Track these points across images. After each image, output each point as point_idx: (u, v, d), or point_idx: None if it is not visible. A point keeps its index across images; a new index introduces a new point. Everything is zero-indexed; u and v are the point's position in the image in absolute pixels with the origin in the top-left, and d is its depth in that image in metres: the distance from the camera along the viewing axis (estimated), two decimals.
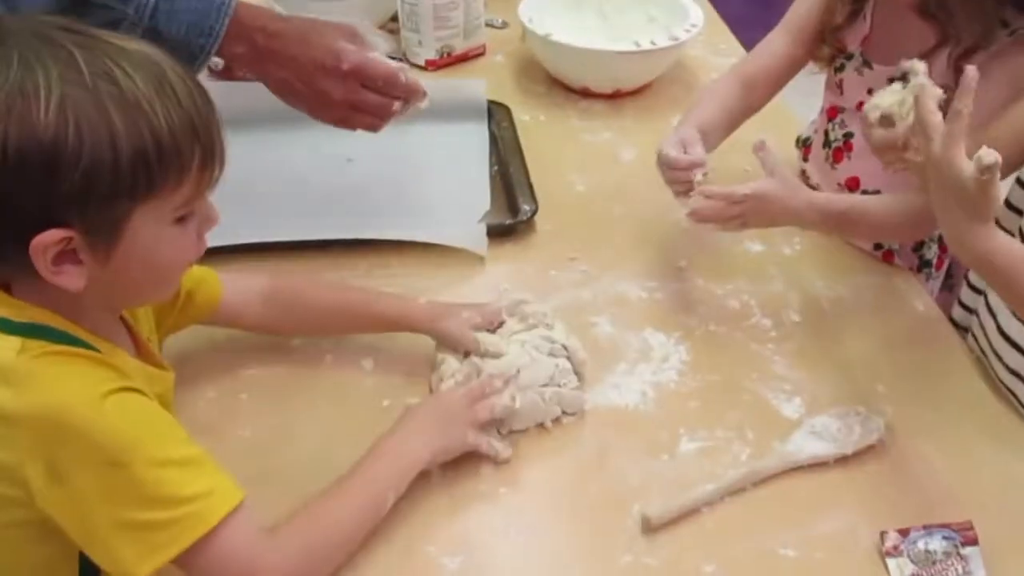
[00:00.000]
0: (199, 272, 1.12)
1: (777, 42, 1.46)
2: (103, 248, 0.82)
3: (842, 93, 1.43)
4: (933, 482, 1.08)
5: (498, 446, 1.08)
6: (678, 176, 1.28)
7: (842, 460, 1.10)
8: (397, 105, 1.23)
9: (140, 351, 0.97)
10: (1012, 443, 1.14)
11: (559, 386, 1.14)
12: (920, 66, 1.06)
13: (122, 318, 0.96)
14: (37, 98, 0.76)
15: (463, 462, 1.08)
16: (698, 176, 1.26)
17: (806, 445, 1.10)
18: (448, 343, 1.17)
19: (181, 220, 0.86)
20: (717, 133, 1.39)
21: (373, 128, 1.24)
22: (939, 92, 1.00)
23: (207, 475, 0.84)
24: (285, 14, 1.26)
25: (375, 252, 1.38)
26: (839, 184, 1.46)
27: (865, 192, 1.43)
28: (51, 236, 0.78)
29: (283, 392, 1.18)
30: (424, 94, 1.23)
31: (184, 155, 0.82)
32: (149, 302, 0.99)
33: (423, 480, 1.05)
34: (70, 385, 0.80)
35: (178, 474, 0.82)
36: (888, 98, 1.09)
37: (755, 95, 1.46)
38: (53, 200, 0.78)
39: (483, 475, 1.09)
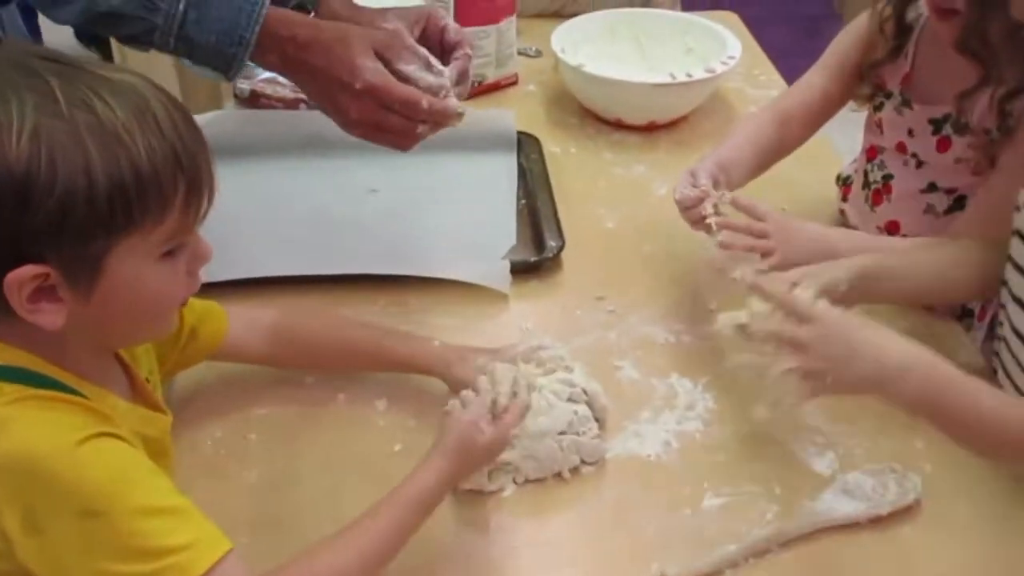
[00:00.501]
0: (203, 307, 1.09)
1: (815, 79, 1.42)
2: (83, 285, 0.79)
3: (882, 133, 1.38)
4: (972, 548, 1.03)
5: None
6: (691, 215, 1.24)
7: (875, 521, 1.04)
8: (423, 128, 1.17)
9: (136, 392, 0.93)
10: None
11: (578, 434, 1.10)
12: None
13: (119, 357, 0.93)
14: (9, 128, 0.73)
15: (477, 515, 1.05)
16: (708, 208, 1.21)
17: (837, 504, 1.04)
18: (458, 389, 1.13)
19: (169, 255, 0.83)
20: (742, 169, 1.34)
21: (400, 148, 1.20)
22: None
23: (190, 525, 0.80)
24: (324, 21, 1.22)
25: (393, 287, 1.34)
26: (878, 227, 1.40)
27: (905, 237, 1.37)
28: (26, 272, 0.76)
29: (292, 433, 1.15)
30: (459, 115, 1.18)
31: (166, 188, 0.79)
32: (142, 341, 0.96)
33: (436, 532, 1.01)
34: (44, 431, 0.77)
35: (158, 524, 0.78)
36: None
37: (789, 133, 1.41)
38: (26, 234, 0.75)
39: (497, 528, 1.04)
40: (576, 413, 1.10)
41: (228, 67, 1.15)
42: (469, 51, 1.23)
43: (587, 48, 1.78)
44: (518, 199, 1.52)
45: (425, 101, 1.14)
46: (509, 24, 1.79)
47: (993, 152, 1.24)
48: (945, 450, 1.12)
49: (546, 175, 1.56)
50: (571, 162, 1.64)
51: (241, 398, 1.18)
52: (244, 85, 1.69)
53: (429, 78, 1.16)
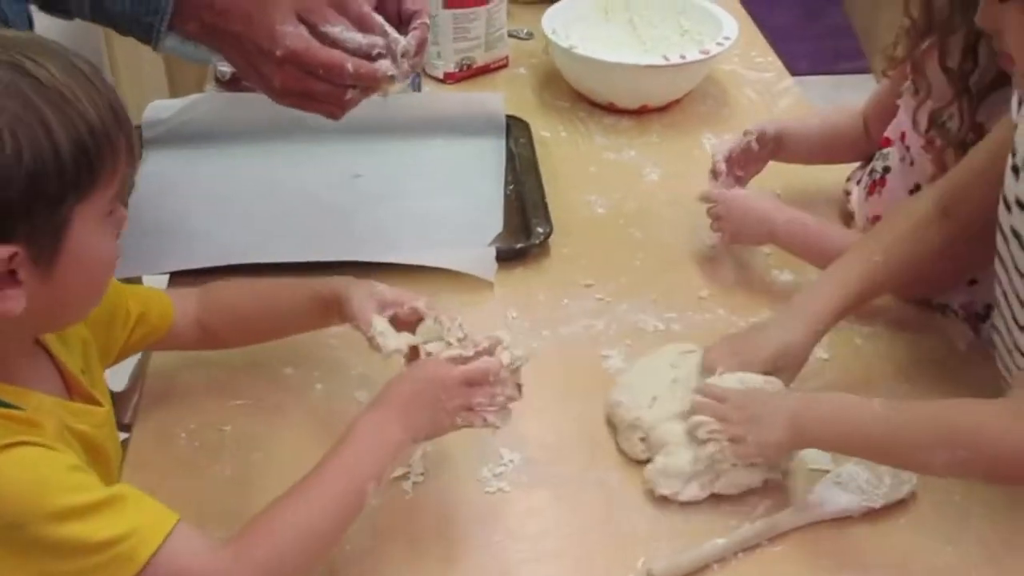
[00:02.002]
0: (147, 292, 1.09)
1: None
2: (45, 260, 0.78)
3: (898, 120, 1.36)
4: (967, 542, 1.00)
5: (491, 417, 0.97)
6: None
7: (869, 514, 1.02)
8: (352, 94, 1.12)
9: (69, 386, 0.92)
10: None
11: None
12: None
13: (48, 353, 0.91)
14: None
15: (457, 506, 1.03)
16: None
17: (830, 497, 1.02)
18: (346, 312, 1.07)
19: (109, 217, 0.82)
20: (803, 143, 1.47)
21: (331, 116, 1.15)
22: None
23: (126, 513, 0.78)
24: None
25: (378, 274, 1.30)
26: (867, 218, 1.38)
27: None
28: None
29: (269, 424, 1.13)
30: (390, 78, 1.12)
31: (115, 140, 0.79)
32: (74, 321, 0.92)
33: (417, 528, 1.00)
34: None
35: (87, 522, 0.76)
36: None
37: (870, 132, 1.46)
38: None
39: (479, 522, 1.02)
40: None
41: (148, 36, 1.12)
42: (427, 20, 1.18)
43: (579, 29, 1.75)
44: (506, 184, 1.50)
45: (350, 64, 1.09)
46: (499, 6, 1.77)
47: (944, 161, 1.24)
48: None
49: (535, 160, 1.54)
50: (561, 146, 1.62)
51: (216, 389, 1.16)
52: (225, 68, 1.67)
53: (358, 38, 1.11)
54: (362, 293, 1.07)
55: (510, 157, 1.55)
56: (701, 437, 1.03)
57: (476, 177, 1.52)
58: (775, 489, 1.05)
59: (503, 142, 1.58)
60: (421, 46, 1.15)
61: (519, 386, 1.00)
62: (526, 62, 1.85)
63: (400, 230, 1.41)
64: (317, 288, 1.11)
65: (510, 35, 1.85)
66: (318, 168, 1.53)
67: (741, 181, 1.40)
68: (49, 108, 0.75)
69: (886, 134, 1.38)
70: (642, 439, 1.07)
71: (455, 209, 1.45)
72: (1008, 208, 1.04)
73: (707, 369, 1.10)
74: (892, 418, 0.98)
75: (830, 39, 3.83)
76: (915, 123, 1.29)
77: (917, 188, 1.30)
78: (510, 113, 1.63)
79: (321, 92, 1.11)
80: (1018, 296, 1.05)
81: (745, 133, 1.41)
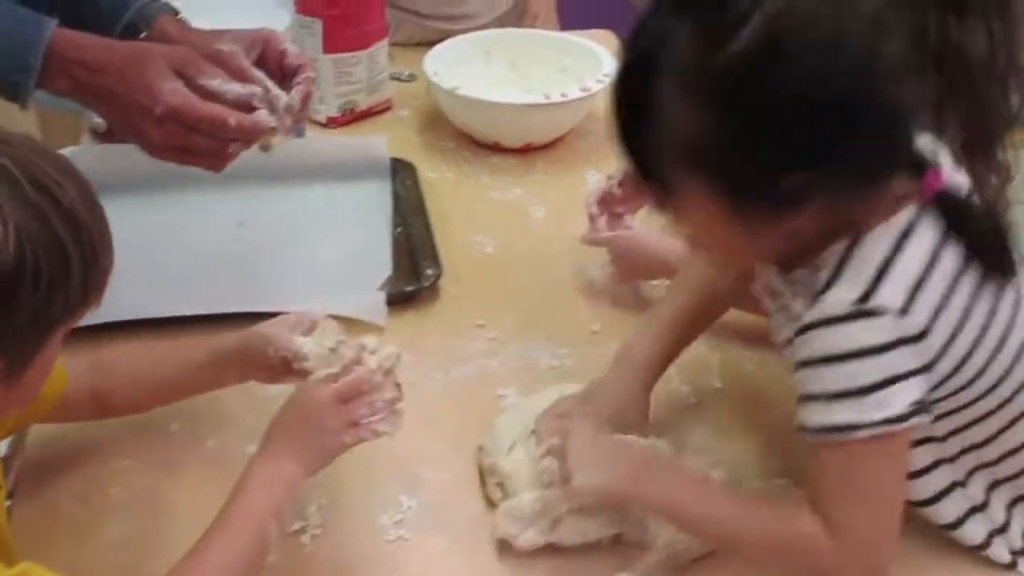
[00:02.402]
0: None
1: None
2: (19, 369, 0.79)
3: None
4: None
5: (381, 426, 0.97)
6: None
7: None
8: (235, 147, 1.12)
9: None
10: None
11: None
12: None
13: None
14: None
15: (357, 556, 1.02)
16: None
17: (679, 539, 1.02)
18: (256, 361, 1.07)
19: None
20: None
21: (213, 169, 1.15)
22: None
23: None
24: (118, 42, 1.16)
25: None
26: None
27: None
28: None
29: (157, 484, 1.10)
30: (272, 130, 1.12)
31: (108, 260, 0.84)
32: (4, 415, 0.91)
33: None
34: None
35: None
36: None
37: None
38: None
39: (380, 572, 1.02)
40: None
41: (15, 95, 1.09)
42: (311, 74, 1.18)
43: (461, 70, 1.76)
44: (393, 227, 1.50)
45: (232, 118, 1.09)
46: (380, 49, 1.77)
47: None
48: None
49: (422, 201, 1.54)
50: (448, 187, 1.63)
51: (100, 450, 1.13)
52: (100, 119, 1.63)
53: (236, 88, 1.11)
54: (277, 329, 1.06)
55: (396, 199, 1.55)
56: (544, 481, 1.03)
57: (363, 221, 1.51)
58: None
59: (388, 185, 1.58)
60: (306, 101, 1.15)
61: (398, 385, 0.99)
62: (409, 104, 1.85)
63: (287, 278, 1.40)
64: (215, 346, 1.09)
65: (392, 78, 1.85)
66: (200, 218, 1.51)
67: (619, 218, 1.41)
68: (65, 231, 0.77)
69: None
70: (498, 485, 1.07)
71: (343, 254, 1.44)
72: None
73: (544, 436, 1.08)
74: (727, 511, 0.99)
75: None
76: None
77: None
78: (395, 155, 1.63)
79: (202, 147, 1.10)
80: None
81: (608, 177, 1.41)
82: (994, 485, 1.01)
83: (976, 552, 1.01)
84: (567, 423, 1.06)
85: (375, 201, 1.55)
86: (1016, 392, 0.95)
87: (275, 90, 1.12)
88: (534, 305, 1.37)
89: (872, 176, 0.87)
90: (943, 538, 1.02)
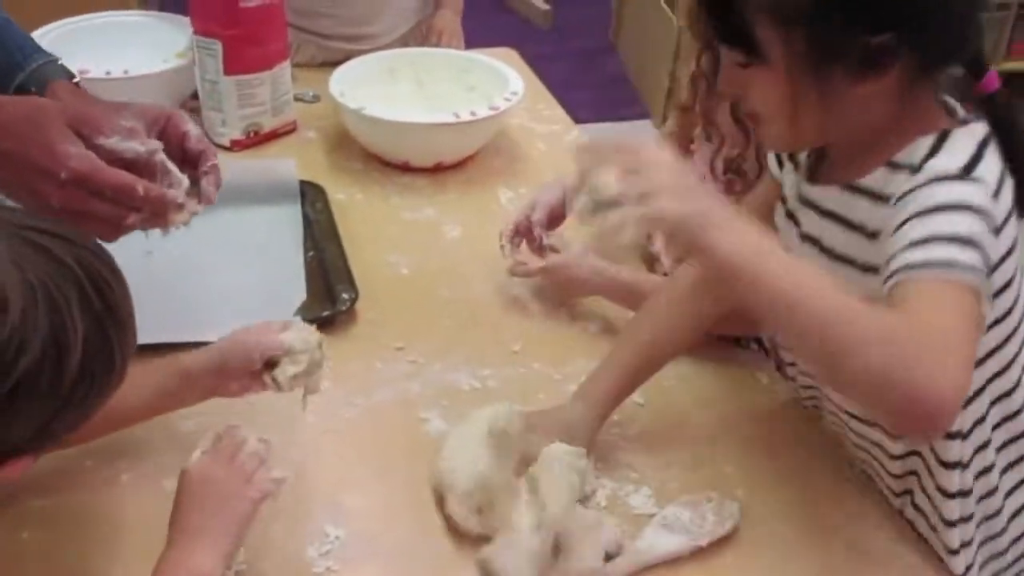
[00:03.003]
0: None
1: (671, 120, 1.51)
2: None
3: (692, 165, 1.42)
4: (792, 568, 1.05)
5: (276, 474, 0.97)
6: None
7: (698, 552, 1.05)
8: (134, 218, 1.07)
9: None
10: (868, 517, 1.11)
11: None
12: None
13: None
14: (67, 350, 0.78)
15: None
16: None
17: (658, 540, 1.05)
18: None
19: None
20: None
21: (105, 238, 1.07)
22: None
23: None
24: (7, 97, 1.12)
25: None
26: (673, 259, 1.43)
27: None
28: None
29: (74, 523, 1.06)
30: (180, 206, 1.08)
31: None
32: None
33: None
34: None
35: None
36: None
37: None
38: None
39: None
40: None
41: None
42: (216, 161, 1.14)
43: (366, 90, 1.75)
44: (305, 251, 1.48)
45: (140, 187, 1.04)
46: (283, 70, 1.76)
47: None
48: (756, 474, 1.15)
49: (333, 224, 1.53)
50: (358, 209, 1.62)
51: (7, 491, 1.09)
52: None
53: (136, 146, 1.06)
54: (258, 333, 1.09)
55: (307, 223, 1.54)
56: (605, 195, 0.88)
57: (274, 246, 1.49)
58: None
59: (298, 208, 1.57)
60: (217, 188, 1.13)
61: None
62: (315, 125, 1.84)
63: (201, 306, 1.37)
64: (180, 367, 1.09)
65: (296, 99, 1.84)
66: (108, 247, 1.47)
67: (540, 247, 1.42)
68: (117, 337, 0.83)
69: None
70: (479, 511, 1.06)
71: (255, 281, 1.42)
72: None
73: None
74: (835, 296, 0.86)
75: (608, 87, 3.98)
76: (712, 169, 1.35)
77: None
78: (303, 178, 1.62)
79: (102, 213, 1.05)
80: None
81: (526, 217, 1.42)
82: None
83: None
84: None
85: (285, 225, 1.53)
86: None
87: (177, 174, 1.08)
88: (453, 326, 1.37)
89: (951, 53, 0.94)
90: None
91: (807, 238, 1.07)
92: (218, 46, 1.68)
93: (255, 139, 1.75)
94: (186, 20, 1.90)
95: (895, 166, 0.96)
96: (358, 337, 1.35)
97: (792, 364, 1.23)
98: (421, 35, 2.14)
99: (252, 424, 1.17)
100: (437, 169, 1.71)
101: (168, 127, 1.11)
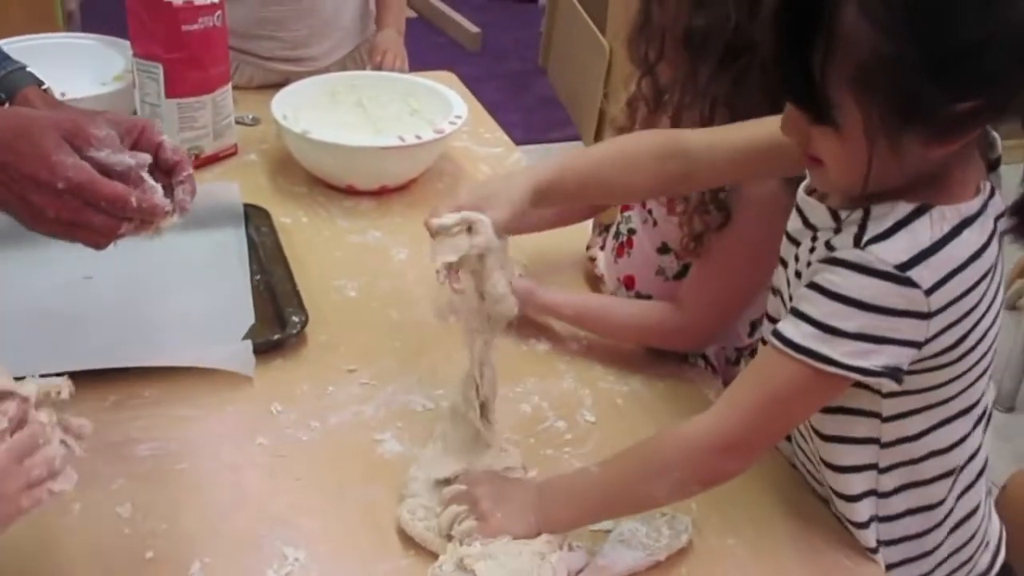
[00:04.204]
0: None
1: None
2: None
3: None
4: None
5: (61, 484, 0.91)
6: None
7: (655, 567, 1.08)
8: (127, 227, 1.10)
9: None
10: (818, 526, 1.15)
11: None
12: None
13: None
14: None
15: None
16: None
17: (618, 557, 1.07)
18: None
19: None
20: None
21: (96, 247, 1.12)
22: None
23: None
24: (2, 110, 1.12)
25: (123, 381, 1.27)
26: (618, 279, 1.47)
27: (639, 295, 1.46)
28: None
29: (25, 561, 1.05)
30: (168, 213, 1.11)
31: None
32: None
33: None
34: None
35: None
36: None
37: None
38: None
39: None
40: None
41: None
42: (191, 171, 1.16)
43: (308, 114, 1.77)
44: (252, 274, 1.49)
45: (134, 198, 1.07)
46: (224, 94, 1.76)
47: (699, 234, 1.33)
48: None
49: (280, 247, 1.53)
50: (304, 232, 1.63)
51: None
52: None
53: (126, 159, 1.08)
54: None
55: (252, 246, 1.54)
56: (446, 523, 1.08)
57: (219, 270, 1.50)
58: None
59: (243, 231, 1.57)
60: (192, 198, 1.14)
61: (63, 442, 0.93)
62: (256, 148, 1.85)
63: (144, 331, 1.37)
64: None
65: (236, 122, 1.84)
66: (41, 274, 1.46)
67: None
68: None
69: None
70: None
71: (201, 305, 1.42)
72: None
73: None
74: (606, 474, 1.08)
75: (540, 110, 4.04)
76: None
77: (664, 247, 1.41)
78: (247, 201, 1.62)
79: (96, 224, 1.07)
80: None
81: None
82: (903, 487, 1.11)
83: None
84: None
85: (230, 248, 1.54)
86: (963, 390, 1.06)
87: (150, 181, 1.09)
88: (404, 348, 1.39)
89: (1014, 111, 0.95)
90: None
91: (789, 237, 1.11)
92: (159, 69, 1.68)
93: (196, 162, 1.75)
94: (117, 42, 1.91)
95: (864, 220, 0.98)
96: (309, 360, 1.36)
97: None
98: (360, 58, 2.17)
99: (204, 446, 1.20)
100: (382, 192, 1.72)
101: (142, 138, 1.13)
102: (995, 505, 1.26)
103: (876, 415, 1.07)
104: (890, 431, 1.07)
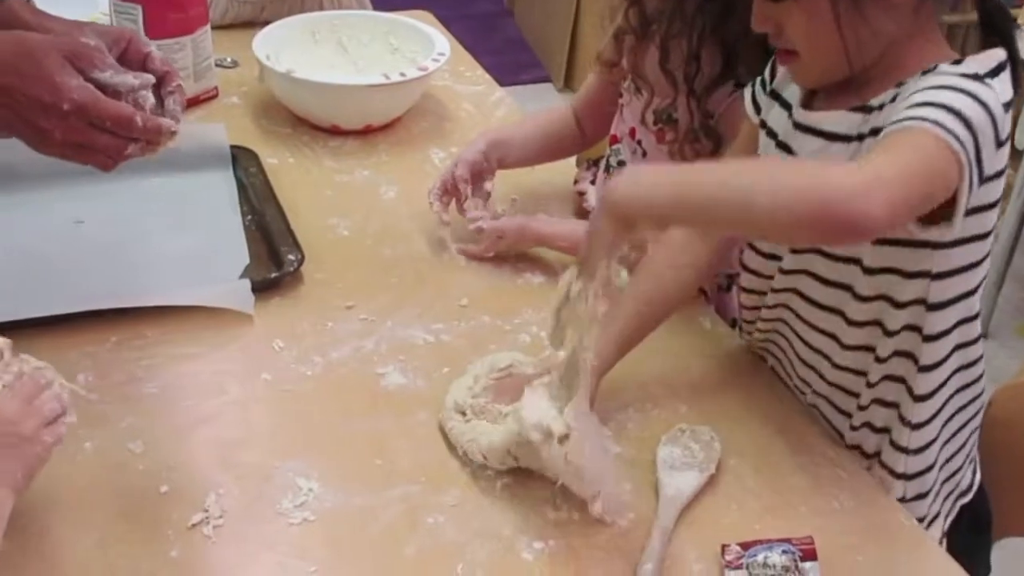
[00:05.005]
0: None
1: (591, 76, 1.54)
2: None
3: (622, 118, 1.47)
4: (751, 500, 1.12)
5: (71, 416, 0.96)
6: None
7: (710, 484, 1.12)
8: (133, 148, 1.12)
9: None
10: (816, 446, 1.19)
11: None
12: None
13: None
14: None
15: (262, 543, 1.03)
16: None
17: (682, 482, 1.10)
18: None
19: None
20: (520, 151, 1.53)
21: (104, 168, 1.13)
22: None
23: None
24: (2, 34, 1.12)
25: (126, 321, 1.28)
26: None
27: None
28: None
29: (43, 502, 1.05)
30: (173, 134, 1.13)
31: None
32: None
33: (223, 570, 1.00)
34: None
35: None
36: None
37: (583, 128, 1.57)
38: None
39: (289, 556, 1.03)
40: None
41: None
42: (180, 81, 1.17)
43: (289, 54, 1.77)
44: (243, 215, 1.49)
45: (139, 118, 1.09)
46: (204, 34, 1.75)
47: (693, 157, 1.35)
48: (709, 411, 1.22)
49: (270, 188, 1.54)
50: (291, 173, 1.63)
51: None
52: None
53: (130, 79, 1.10)
54: None
55: (242, 187, 1.55)
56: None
57: (210, 211, 1.50)
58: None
59: (231, 173, 1.58)
60: (183, 108, 1.15)
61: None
62: (236, 91, 1.84)
63: (141, 273, 1.38)
64: None
65: (216, 64, 1.83)
66: (32, 220, 1.46)
67: (484, 192, 1.49)
68: None
69: (613, 132, 1.50)
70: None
71: (194, 245, 1.43)
72: None
73: None
74: (739, 173, 0.99)
75: (508, 52, 4.03)
76: (644, 120, 1.41)
77: None
78: (232, 143, 1.62)
79: (102, 144, 1.08)
80: None
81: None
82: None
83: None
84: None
85: (219, 190, 1.54)
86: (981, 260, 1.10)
87: (143, 93, 1.11)
88: (400, 284, 1.40)
89: None
90: None
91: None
92: (138, 10, 1.67)
93: None
94: None
95: (904, 85, 1.02)
96: (307, 298, 1.37)
97: (755, 309, 1.29)
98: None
99: (209, 383, 1.21)
100: (367, 131, 1.73)
101: (130, 48, 1.14)
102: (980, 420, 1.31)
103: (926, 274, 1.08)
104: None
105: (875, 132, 1.03)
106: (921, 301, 1.09)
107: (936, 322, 1.10)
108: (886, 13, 1.01)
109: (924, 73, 1.01)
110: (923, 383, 1.13)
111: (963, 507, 1.25)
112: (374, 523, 1.07)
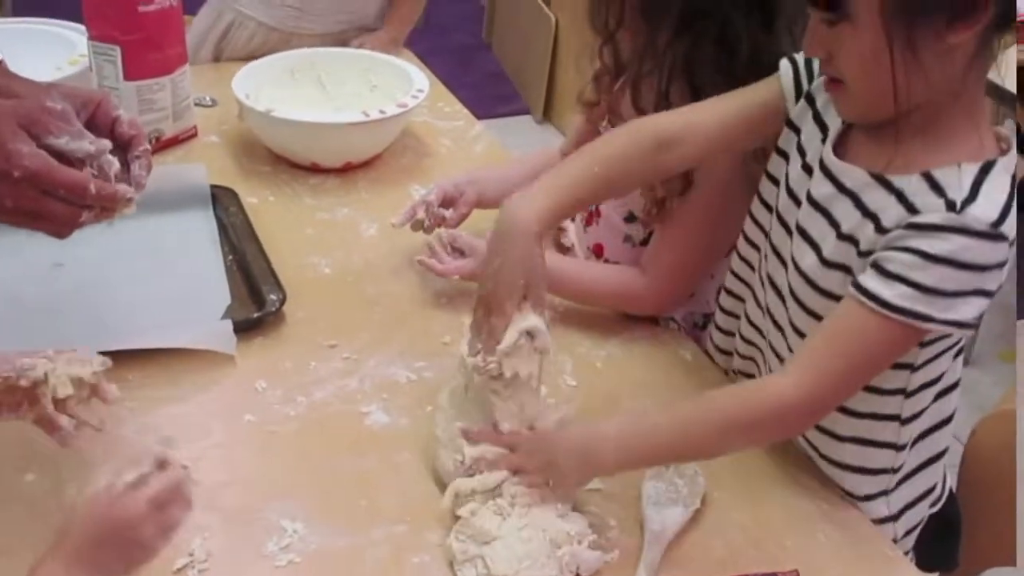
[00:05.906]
0: None
1: (578, 118, 1.55)
2: None
3: None
4: (735, 534, 1.13)
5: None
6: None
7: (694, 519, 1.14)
8: (87, 215, 1.10)
9: None
10: (800, 478, 1.20)
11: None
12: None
13: None
14: None
15: None
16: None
17: (667, 519, 1.11)
18: None
19: None
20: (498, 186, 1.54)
21: (58, 236, 1.13)
22: None
23: None
24: None
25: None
26: (588, 247, 1.52)
27: (607, 262, 1.50)
28: None
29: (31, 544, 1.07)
30: (129, 200, 1.12)
31: None
32: None
33: None
34: None
35: None
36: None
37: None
38: None
39: None
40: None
41: None
42: (148, 146, 1.17)
43: (269, 92, 1.79)
44: (224, 255, 1.51)
45: (92, 186, 1.08)
46: (183, 74, 1.77)
47: (662, 200, 1.38)
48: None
49: (251, 227, 1.55)
50: (272, 212, 1.65)
51: None
52: None
53: (86, 146, 1.09)
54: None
55: (222, 227, 1.56)
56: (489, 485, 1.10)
57: (191, 252, 1.52)
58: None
59: (211, 213, 1.59)
60: (148, 174, 1.15)
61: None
62: (216, 130, 1.86)
63: (122, 316, 1.39)
64: None
65: (195, 104, 1.85)
66: (9, 263, 1.47)
67: (448, 222, 1.51)
68: None
69: None
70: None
71: (176, 287, 1.44)
72: (797, 204, 1.16)
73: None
74: (675, 424, 1.11)
75: (486, 85, 4.06)
76: None
77: (631, 216, 1.45)
78: (212, 183, 1.64)
79: (55, 212, 1.08)
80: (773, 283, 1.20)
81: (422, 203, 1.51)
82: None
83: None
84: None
85: (200, 230, 1.56)
86: None
87: (113, 162, 1.11)
88: (383, 321, 1.42)
89: None
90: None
91: (816, 205, 1.13)
92: (117, 51, 1.69)
93: (157, 145, 1.76)
94: (66, 24, 1.91)
95: (934, 184, 1.02)
96: (290, 337, 1.38)
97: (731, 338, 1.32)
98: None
99: (193, 425, 1.22)
100: (347, 169, 1.75)
101: (99, 111, 1.14)
102: (964, 449, 1.33)
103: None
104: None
105: (885, 230, 1.05)
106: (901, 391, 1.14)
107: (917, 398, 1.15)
108: (939, 61, 0.99)
109: (950, 208, 1.01)
110: (904, 432, 1.17)
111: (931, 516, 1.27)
112: (360, 564, 1.07)
